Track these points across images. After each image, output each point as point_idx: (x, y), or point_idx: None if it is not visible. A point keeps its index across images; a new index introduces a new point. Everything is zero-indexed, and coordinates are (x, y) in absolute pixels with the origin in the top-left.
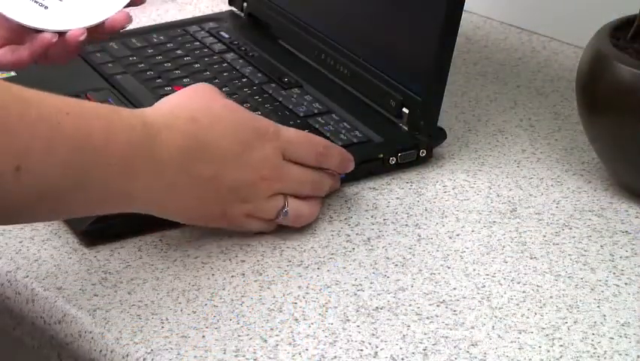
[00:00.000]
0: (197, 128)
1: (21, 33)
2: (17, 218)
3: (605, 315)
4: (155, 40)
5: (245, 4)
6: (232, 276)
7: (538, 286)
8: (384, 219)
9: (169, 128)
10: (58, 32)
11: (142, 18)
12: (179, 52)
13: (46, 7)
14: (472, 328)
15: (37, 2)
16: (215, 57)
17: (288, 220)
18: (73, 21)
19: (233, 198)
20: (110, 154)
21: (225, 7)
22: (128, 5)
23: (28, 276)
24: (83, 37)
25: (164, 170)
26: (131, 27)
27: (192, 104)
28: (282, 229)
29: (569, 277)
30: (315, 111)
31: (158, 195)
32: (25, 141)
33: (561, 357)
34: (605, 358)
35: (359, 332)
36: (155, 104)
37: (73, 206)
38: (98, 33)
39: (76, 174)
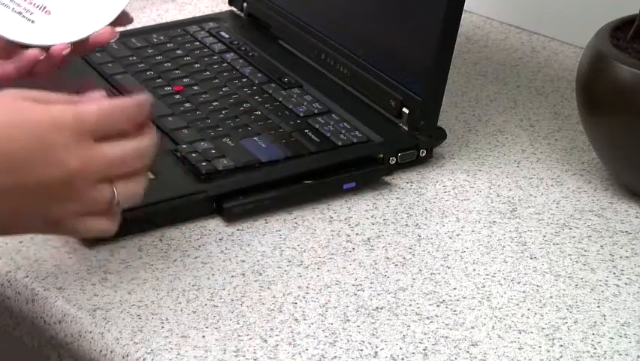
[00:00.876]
0: None
1: (7, 48)
2: None
3: (605, 315)
4: (155, 40)
5: (245, 4)
6: (232, 276)
7: (538, 286)
8: (384, 220)
9: None
10: (44, 47)
11: (142, 18)
12: (179, 52)
13: (32, 22)
14: (472, 328)
15: (24, 17)
16: (215, 57)
17: (122, 207)
18: (60, 36)
19: (48, 200)
20: None
21: (225, 7)
22: (115, 24)
23: (28, 276)
24: (66, 52)
25: None
26: (131, 27)
27: None
28: (283, 228)
29: (569, 277)
30: (315, 111)
31: None
32: None
33: (561, 357)
34: (605, 358)
35: (359, 332)
36: None
37: None
38: (83, 48)
39: None
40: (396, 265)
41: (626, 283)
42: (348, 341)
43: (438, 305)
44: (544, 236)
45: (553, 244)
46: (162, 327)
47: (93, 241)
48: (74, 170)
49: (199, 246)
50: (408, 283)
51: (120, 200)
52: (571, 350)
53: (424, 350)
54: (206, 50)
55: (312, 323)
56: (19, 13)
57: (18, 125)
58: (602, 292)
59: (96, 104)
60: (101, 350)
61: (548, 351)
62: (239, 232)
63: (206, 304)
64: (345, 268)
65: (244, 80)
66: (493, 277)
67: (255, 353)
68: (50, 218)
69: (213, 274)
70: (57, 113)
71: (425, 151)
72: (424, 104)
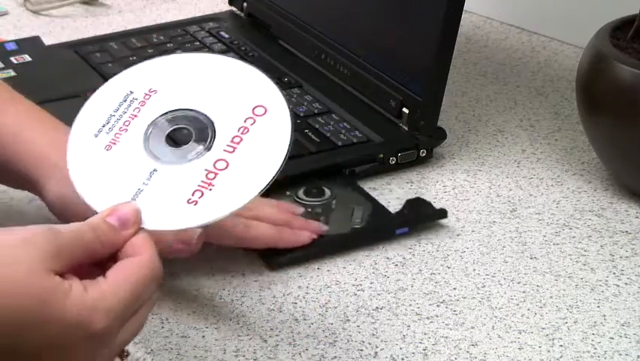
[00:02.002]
0: None
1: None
2: None
3: (605, 315)
4: (155, 40)
5: (245, 4)
6: (232, 276)
7: (538, 286)
8: None
9: None
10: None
11: (142, 18)
12: (179, 52)
13: (195, 204)
14: (472, 328)
15: (190, 202)
16: None
17: None
18: (219, 210)
19: None
20: None
21: (225, 7)
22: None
23: None
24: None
25: None
26: (130, 27)
27: None
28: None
29: (569, 277)
30: (315, 111)
31: None
32: None
33: (561, 357)
34: (605, 358)
35: (359, 332)
36: None
37: None
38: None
39: None
40: (396, 265)
41: (626, 283)
42: (348, 341)
43: (438, 305)
44: (544, 236)
45: (554, 244)
46: (162, 327)
47: None
48: None
49: None
50: (408, 283)
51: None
52: (571, 350)
53: (424, 350)
54: (206, 50)
55: (312, 323)
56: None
57: (30, 321)
58: (602, 292)
59: (116, 297)
60: None
61: (548, 351)
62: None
63: (206, 304)
64: (345, 268)
65: None
66: (493, 277)
67: (255, 353)
68: None
69: (213, 275)
70: (86, 316)
71: (425, 151)
72: (424, 104)
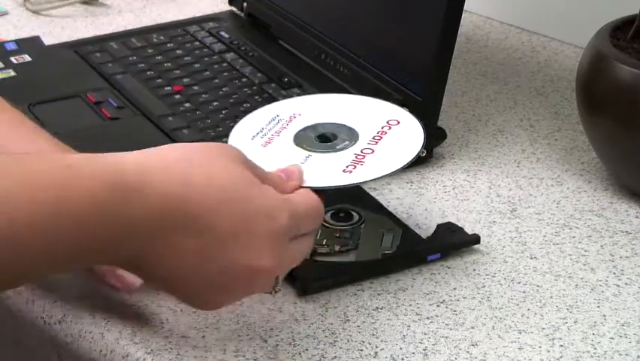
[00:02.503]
0: (186, 193)
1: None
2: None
3: (605, 315)
4: (155, 40)
5: (245, 4)
6: None
7: (538, 286)
8: None
9: (147, 188)
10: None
11: (142, 18)
12: (179, 52)
13: (350, 172)
14: (472, 328)
15: (345, 171)
16: (215, 57)
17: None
18: (372, 174)
19: (218, 287)
20: (61, 229)
21: (225, 7)
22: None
23: None
24: None
25: (134, 233)
26: (130, 27)
27: (194, 162)
28: None
29: (569, 277)
30: None
31: (133, 261)
32: None
33: (561, 357)
34: (605, 358)
35: (359, 332)
36: (160, 148)
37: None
38: None
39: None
40: None
41: (626, 283)
42: (348, 341)
43: (438, 305)
44: (544, 236)
45: (553, 244)
46: (162, 327)
47: None
48: (263, 268)
49: None
50: (408, 283)
51: (279, 287)
52: (571, 350)
53: (424, 350)
54: (206, 49)
55: (312, 323)
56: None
57: (231, 198)
58: (602, 292)
59: (305, 203)
60: (101, 350)
61: (548, 351)
62: None
63: None
64: None
65: (244, 80)
66: (493, 277)
67: (255, 353)
68: (210, 303)
69: None
70: (268, 205)
71: (425, 151)
72: (424, 104)
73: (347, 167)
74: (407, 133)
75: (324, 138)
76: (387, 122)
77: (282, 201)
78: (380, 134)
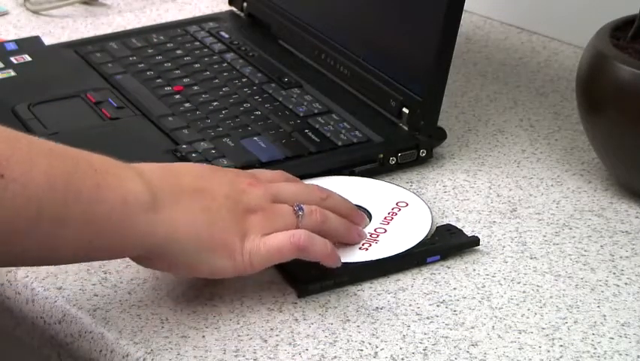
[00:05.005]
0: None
1: None
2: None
3: (605, 315)
4: (155, 40)
5: (245, 4)
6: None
7: (538, 286)
8: None
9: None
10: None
11: (142, 18)
12: (179, 52)
13: (366, 250)
14: (472, 328)
15: (361, 249)
16: (215, 57)
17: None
18: (386, 252)
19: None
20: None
21: (225, 7)
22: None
23: (28, 276)
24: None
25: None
26: (130, 27)
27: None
28: None
29: (569, 277)
30: (315, 111)
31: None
32: None
33: (561, 357)
34: (605, 358)
35: (359, 332)
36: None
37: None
38: None
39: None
40: None
41: (626, 283)
42: (348, 341)
43: (438, 305)
44: (544, 236)
45: (553, 244)
46: (162, 327)
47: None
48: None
49: None
50: (408, 283)
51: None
52: (571, 350)
53: (424, 350)
54: (206, 50)
55: (312, 323)
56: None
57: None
58: (602, 292)
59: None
60: (101, 350)
61: (548, 351)
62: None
63: (206, 304)
64: None
65: (244, 80)
66: (493, 277)
67: (255, 353)
68: (241, 230)
69: None
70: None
71: (425, 151)
72: (424, 104)
73: (362, 245)
74: (415, 214)
75: None
76: (397, 204)
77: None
78: (391, 215)
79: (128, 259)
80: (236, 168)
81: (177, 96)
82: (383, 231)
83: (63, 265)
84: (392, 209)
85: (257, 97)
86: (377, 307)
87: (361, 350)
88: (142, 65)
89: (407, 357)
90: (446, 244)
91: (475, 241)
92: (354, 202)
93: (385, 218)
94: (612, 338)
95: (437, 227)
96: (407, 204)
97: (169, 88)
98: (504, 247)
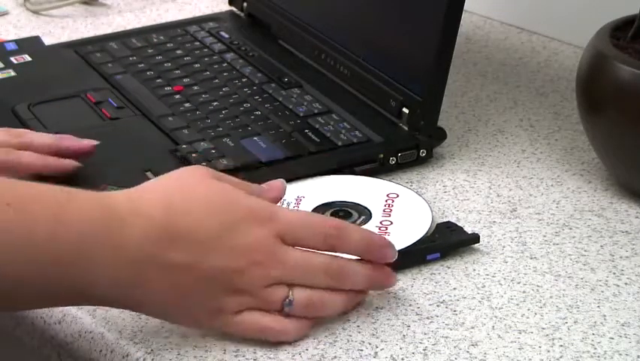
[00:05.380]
0: (168, 215)
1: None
2: None
3: (605, 315)
4: (155, 40)
5: (245, 4)
6: None
7: (538, 286)
8: None
9: (135, 214)
10: None
11: (142, 18)
12: (179, 52)
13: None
14: (472, 328)
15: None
16: (215, 57)
17: (295, 310)
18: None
19: (221, 288)
20: (58, 248)
21: (225, 7)
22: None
23: None
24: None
25: (128, 260)
26: (130, 27)
27: (171, 187)
28: None
29: (569, 277)
30: (315, 111)
31: (126, 289)
32: None
33: (561, 357)
34: (605, 358)
35: (359, 332)
36: (141, 185)
37: (21, 303)
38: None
39: (17, 271)
40: None
41: (626, 283)
42: (348, 341)
43: (438, 305)
44: (544, 236)
45: (553, 244)
46: (162, 327)
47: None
48: (256, 263)
49: None
50: (408, 283)
51: (295, 303)
52: (571, 350)
53: (424, 350)
54: (206, 50)
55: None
56: None
57: (214, 205)
58: (602, 292)
59: (294, 212)
60: (101, 350)
61: (548, 351)
62: None
63: None
64: None
65: (244, 80)
66: (493, 277)
67: (255, 353)
68: (215, 307)
69: None
70: (255, 205)
71: (425, 151)
72: (424, 104)
73: None
74: (410, 202)
75: (337, 215)
76: (388, 195)
77: (269, 205)
78: (389, 207)
79: None
80: (236, 167)
81: (177, 96)
82: (389, 223)
83: None
84: (386, 201)
85: (257, 97)
86: (377, 307)
87: (361, 350)
88: (142, 65)
89: (407, 357)
90: (446, 241)
91: (475, 238)
92: (348, 198)
93: (384, 210)
94: (612, 338)
95: (437, 224)
96: (397, 195)
97: (169, 88)
98: (504, 247)
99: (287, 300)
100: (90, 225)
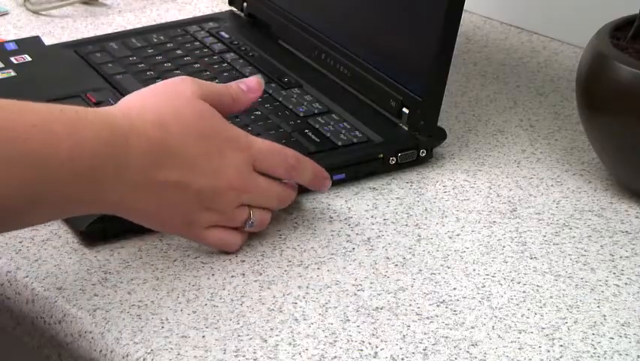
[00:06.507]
0: (164, 134)
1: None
2: None
3: (605, 315)
4: (155, 40)
5: (245, 4)
6: (232, 276)
7: (538, 286)
8: (384, 219)
9: (137, 134)
10: None
11: (142, 18)
12: (179, 52)
13: None
14: (472, 328)
15: None
16: (215, 57)
17: (252, 229)
18: None
19: (199, 205)
20: (76, 167)
21: (225, 7)
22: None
23: (28, 276)
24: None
25: (128, 173)
26: (130, 27)
27: (161, 107)
28: (283, 228)
29: (569, 277)
30: (315, 111)
31: (120, 197)
32: None
33: (561, 357)
34: (605, 358)
35: (359, 332)
36: (123, 100)
37: (32, 218)
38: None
39: (36, 190)
40: (396, 265)
41: (626, 283)
42: (348, 341)
43: (438, 305)
44: (544, 236)
45: (554, 244)
46: (162, 327)
47: (93, 241)
48: (232, 187)
49: (199, 246)
50: (408, 283)
51: (255, 225)
52: (571, 350)
53: (424, 350)
54: (206, 50)
55: (312, 323)
56: None
57: (201, 130)
58: (602, 292)
59: (265, 142)
60: (101, 350)
61: (548, 351)
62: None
63: (206, 304)
64: (345, 268)
65: None
66: (493, 277)
67: (255, 353)
68: (188, 220)
69: (213, 274)
70: (236, 133)
71: (425, 151)
72: (424, 104)
73: None
74: None
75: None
76: None
77: (246, 135)
78: None
79: (128, 259)
80: None
81: None
82: None
83: (63, 265)
84: None
85: None
86: (377, 307)
87: (361, 350)
88: (142, 65)
89: (407, 357)
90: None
91: (388, 169)
92: None
93: None
94: (612, 338)
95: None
96: None
97: None
98: (504, 247)
99: (250, 221)
100: (100, 144)
